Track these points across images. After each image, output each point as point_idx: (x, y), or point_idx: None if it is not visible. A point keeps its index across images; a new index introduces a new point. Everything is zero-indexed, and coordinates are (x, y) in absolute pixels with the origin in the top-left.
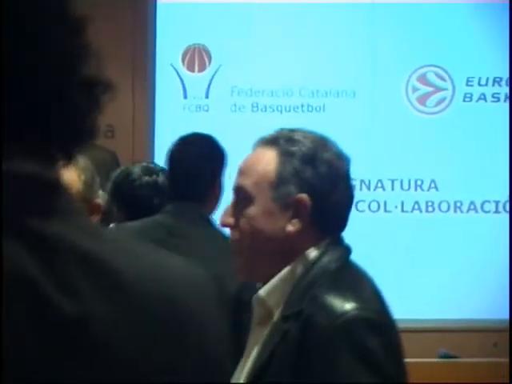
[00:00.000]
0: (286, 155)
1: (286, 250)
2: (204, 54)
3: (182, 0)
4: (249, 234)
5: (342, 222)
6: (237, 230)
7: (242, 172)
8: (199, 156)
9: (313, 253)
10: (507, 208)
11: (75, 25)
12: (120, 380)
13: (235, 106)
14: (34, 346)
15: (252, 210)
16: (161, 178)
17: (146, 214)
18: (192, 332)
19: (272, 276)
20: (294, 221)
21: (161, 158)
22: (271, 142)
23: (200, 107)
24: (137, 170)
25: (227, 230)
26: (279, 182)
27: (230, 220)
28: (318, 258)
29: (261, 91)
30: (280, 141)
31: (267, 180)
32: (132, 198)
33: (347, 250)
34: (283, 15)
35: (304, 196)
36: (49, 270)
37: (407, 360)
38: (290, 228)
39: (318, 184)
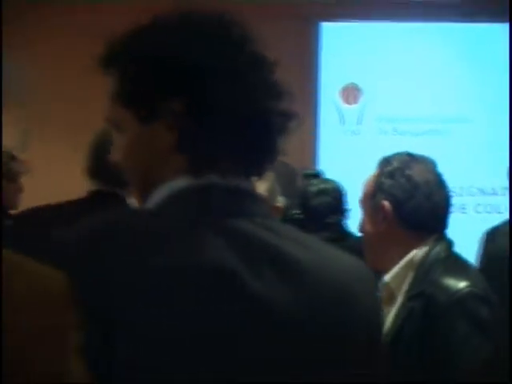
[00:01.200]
0: (380, 173)
1: (392, 246)
2: (356, 91)
3: (340, 52)
4: (365, 235)
5: (437, 223)
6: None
7: (362, 189)
8: None
9: (424, 247)
10: None
11: (269, 67)
12: (297, 359)
13: (380, 130)
14: (236, 327)
15: (363, 217)
16: (332, 187)
17: (317, 217)
18: (358, 314)
19: (391, 265)
20: (383, 221)
21: (324, 172)
22: (379, 164)
23: (354, 132)
24: (313, 182)
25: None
26: (373, 193)
27: (360, 226)
28: (430, 250)
29: (400, 119)
30: (382, 163)
31: (368, 193)
32: (304, 202)
33: (451, 243)
34: (416, 59)
35: (385, 202)
36: (244, 262)
37: None
38: (381, 228)
39: (396, 193)
